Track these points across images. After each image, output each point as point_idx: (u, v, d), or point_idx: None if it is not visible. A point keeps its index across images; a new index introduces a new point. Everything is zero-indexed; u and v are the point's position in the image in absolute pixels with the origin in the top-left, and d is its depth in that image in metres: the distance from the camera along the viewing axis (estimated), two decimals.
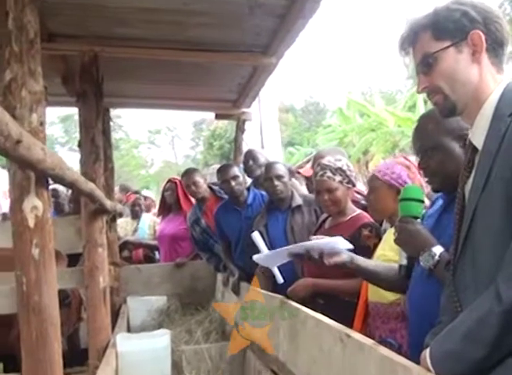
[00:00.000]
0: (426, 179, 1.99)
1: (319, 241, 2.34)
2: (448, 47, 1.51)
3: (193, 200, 5.43)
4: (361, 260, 2.27)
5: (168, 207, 5.80)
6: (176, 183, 5.63)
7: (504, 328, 1.24)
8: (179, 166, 30.64)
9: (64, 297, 3.75)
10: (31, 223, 1.83)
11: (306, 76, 63.33)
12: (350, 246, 2.29)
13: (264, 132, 9.07)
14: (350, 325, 2.50)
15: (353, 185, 3.11)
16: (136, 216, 6.46)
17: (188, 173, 5.00)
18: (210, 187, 5.04)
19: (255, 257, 2.86)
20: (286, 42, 3.63)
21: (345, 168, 3.05)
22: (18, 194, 1.83)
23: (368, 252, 2.76)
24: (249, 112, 5.79)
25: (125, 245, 6.07)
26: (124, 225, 6.50)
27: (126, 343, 3.14)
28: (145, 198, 7.14)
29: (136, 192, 7.01)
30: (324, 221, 3.27)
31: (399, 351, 2.08)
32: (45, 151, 1.50)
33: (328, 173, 3.03)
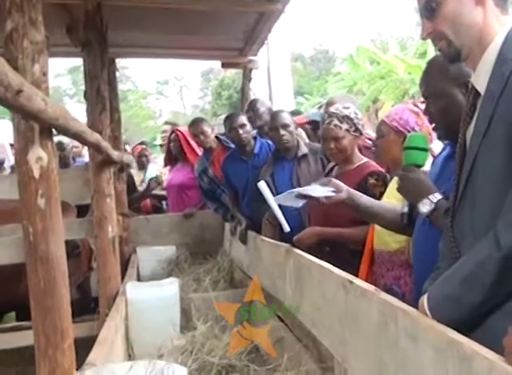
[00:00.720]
0: (432, 125, 1.98)
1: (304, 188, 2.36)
2: None
3: (197, 150, 5.44)
4: (363, 199, 2.28)
5: (174, 157, 5.81)
6: (178, 134, 5.62)
7: (502, 273, 1.26)
8: (188, 117, 30.49)
9: (73, 247, 3.82)
10: (36, 173, 1.84)
11: (315, 23, 62.06)
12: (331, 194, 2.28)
13: (275, 81, 8.98)
14: (355, 272, 2.54)
15: (361, 133, 3.09)
16: (142, 166, 6.50)
17: (196, 123, 4.99)
18: (217, 137, 5.03)
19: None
20: None
21: (352, 116, 3.02)
22: (22, 145, 1.83)
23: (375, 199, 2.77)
24: (256, 60, 5.71)
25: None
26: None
27: (135, 291, 3.20)
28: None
29: (142, 143, 7.01)
30: (331, 169, 3.27)
31: (403, 299, 2.12)
32: (46, 101, 1.49)
33: (335, 121, 3.01)
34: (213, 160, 4.94)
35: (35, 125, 1.79)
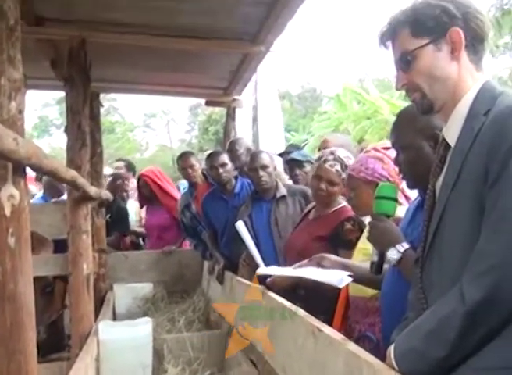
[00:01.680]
0: (401, 175, 2.00)
1: (315, 275, 2.35)
2: (426, 44, 1.49)
3: (170, 190, 5.47)
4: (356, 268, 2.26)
5: (148, 199, 5.81)
6: (145, 179, 5.65)
7: (466, 329, 1.26)
8: (174, 150, 30.50)
9: (46, 285, 3.76)
10: (7, 211, 1.82)
11: (303, 62, 63.04)
12: (344, 283, 2.24)
13: (263, 119, 9.01)
14: (330, 317, 2.52)
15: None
16: (122, 200, 6.46)
17: (185, 156, 5.00)
18: (203, 173, 5.03)
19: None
20: (275, 31, 3.61)
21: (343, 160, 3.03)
22: None
23: (350, 246, 2.77)
24: (240, 99, 5.76)
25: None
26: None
27: (107, 331, 3.15)
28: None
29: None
30: (308, 212, 3.27)
31: (377, 346, 2.10)
32: (18, 141, 1.48)
33: (338, 167, 3.01)
34: (197, 196, 4.90)
35: (8, 163, 1.78)
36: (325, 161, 3.06)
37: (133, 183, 6.39)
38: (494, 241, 1.26)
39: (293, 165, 4.25)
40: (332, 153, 3.09)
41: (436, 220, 1.46)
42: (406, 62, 1.52)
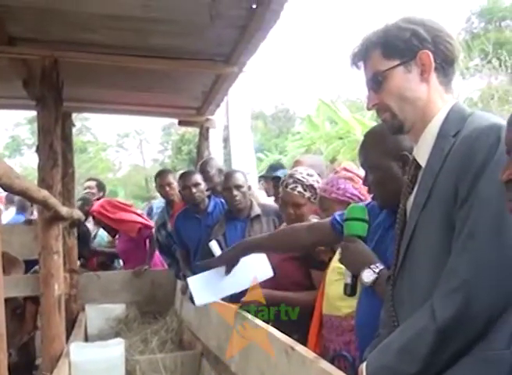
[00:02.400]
0: (371, 195, 2.02)
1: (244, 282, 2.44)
2: (397, 66, 1.51)
3: (123, 216, 5.52)
4: None
5: (111, 231, 5.88)
6: (95, 215, 5.70)
7: (438, 346, 1.27)
8: (147, 170, 30.40)
9: (16, 306, 3.70)
10: None
11: (276, 82, 63.43)
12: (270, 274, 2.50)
13: (236, 139, 9.06)
14: (302, 335, 2.52)
15: (314, 198, 3.04)
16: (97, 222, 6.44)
17: (163, 174, 5.03)
18: (180, 192, 5.01)
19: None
20: (248, 52, 3.64)
21: (316, 185, 3.01)
22: None
23: (323, 266, 2.78)
24: (213, 119, 5.78)
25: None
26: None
27: (79, 352, 3.11)
28: None
29: (98, 199, 6.93)
30: None
31: (353, 364, 2.10)
32: None
33: (299, 188, 3.00)
34: (173, 214, 4.88)
35: None
36: (286, 185, 3.07)
37: None
38: (463, 259, 1.28)
39: (277, 183, 4.28)
40: (290, 176, 3.10)
41: (407, 239, 1.48)
42: (377, 82, 1.54)
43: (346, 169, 2.67)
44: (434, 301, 1.30)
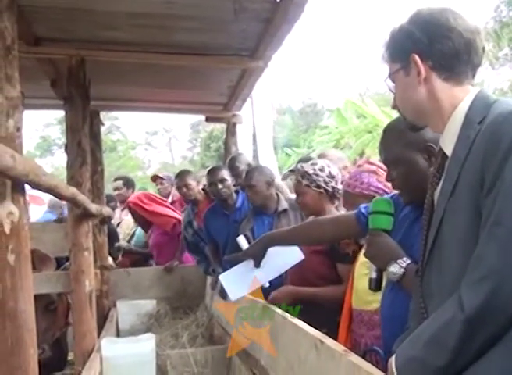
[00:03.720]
0: (396, 191, 1.99)
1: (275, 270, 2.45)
2: (398, 70, 1.54)
3: (158, 210, 5.54)
4: None
5: (144, 224, 5.93)
6: (130, 207, 5.75)
7: (466, 336, 1.24)
8: (176, 168, 30.54)
9: (49, 302, 3.75)
10: (7, 228, 1.83)
11: (304, 77, 63.31)
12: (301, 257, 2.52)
13: (260, 134, 9.08)
14: (330, 330, 2.51)
15: (326, 190, 3.08)
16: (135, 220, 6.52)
17: (180, 176, 5.05)
18: (204, 190, 5.06)
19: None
20: (273, 46, 3.63)
21: (311, 172, 3.05)
22: None
23: (347, 259, 2.77)
24: (239, 115, 5.80)
25: (119, 249, 6.11)
26: (125, 227, 6.55)
27: (110, 347, 3.14)
28: None
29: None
30: None
31: (385, 359, 2.08)
32: (15, 157, 1.49)
33: (298, 177, 3.08)
34: (198, 212, 4.95)
35: (7, 180, 1.79)
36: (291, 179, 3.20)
37: None
38: (490, 247, 1.25)
39: None
40: (291, 170, 3.25)
41: (435, 229, 1.46)
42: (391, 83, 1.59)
43: (369, 163, 2.64)
44: (461, 291, 1.28)
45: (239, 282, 2.77)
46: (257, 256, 2.62)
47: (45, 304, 3.69)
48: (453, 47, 1.47)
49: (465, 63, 1.49)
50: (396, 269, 1.76)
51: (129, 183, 6.77)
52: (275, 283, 3.12)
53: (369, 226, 1.93)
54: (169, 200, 6.27)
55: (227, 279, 2.88)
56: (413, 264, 1.72)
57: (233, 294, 2.83)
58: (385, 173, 2.34)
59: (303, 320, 2.33)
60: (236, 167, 4.54)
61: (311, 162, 3.17)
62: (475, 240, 1.30)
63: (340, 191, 3.07)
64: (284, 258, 2.75)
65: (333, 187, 3.08)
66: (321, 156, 3.98)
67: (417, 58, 1.48)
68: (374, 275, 1.92)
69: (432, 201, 1.55)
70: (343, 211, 3.03)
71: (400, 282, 1.77)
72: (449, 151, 1.48)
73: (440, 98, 1.49)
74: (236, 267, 2.81)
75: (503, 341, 1.24)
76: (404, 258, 1.77)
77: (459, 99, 1.48)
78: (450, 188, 1.41)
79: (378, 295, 2.27)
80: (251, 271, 2.68)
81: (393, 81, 1.57)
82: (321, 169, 3.08)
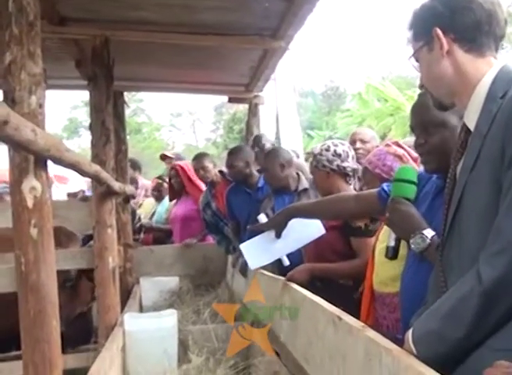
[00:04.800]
0: (422, 158, 1.93)
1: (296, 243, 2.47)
2: (422, 47, 1.55)
3: (198, 183, 5.52)
4: None
5: (177, 191, 5.87)
6: (177, 169, 5.71)
7: (484, 308, 1.25)
8: (200, 149, 30.68)
9: (66, 279, 3.80)
10: (30, 203, 1.87)
11: (327, 60, 62.84)
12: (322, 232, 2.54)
13: (283, 117, 9.07)
14: (348, 308, 2.53)
15: (332, 170, 3.09)
16: (156, 199, 6.57)
17: (197, 158, 5.11)
18: (220, 172, 5.10)
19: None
20: (295, 26, 3.63)
21: (316, 152, 3.12)
22: (17, 175, 1.87)
23: (360, 233, 2.79)
24: (261, 96, 5.81)
25: (141, 228, 6.18)
26: (146, 207, 6.62)
27: (133, 322, 3.19)
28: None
29: (159, 177, 7.04)
30: None
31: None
32: (36, 132, 1.52)
33: (310, 159, 3.18)
34: (216, 194, 5.03)
35: (30, 156, 1.83)
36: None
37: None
38: (509, 220, 1.25)
39: None
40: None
41: (455, 202, 1.46)
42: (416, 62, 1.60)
43: (398, 145, 2.59)
44: (480, 264, 1.28)
45: (259, 252, 2.79)
46: (278, 227, 2.65)
47: (62, 280, 3.75)
48: (475, 18, 1.47)
49: (487, 34, 1.49)
50: (421, 240, 1.73)
51: (135, 166, 6.98)
52: (295, 261, 3.15)
53: (392, 193, 1.90)
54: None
55: (248, 248, 2.91)
56: (436, 236, 1.69)
57: (253, 262, 2.90)
58: (411, 160, 2.32)
59: (322, 296, 2.34)
60: (263, 145, 4.57)
61: (321, 144, 3.22)
62: (495, 213, 1.30)
63: (350, 169, 3.09)
64: (305, 231, 2.77)
65: (338, 166, 3.07)
66: (353, 135, 4.02)
67: (439, 31, 1.48)
68: (392, 243, 1.90)
69: (455, 176, 1.54)
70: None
71: (422, 253, 1.74)
72: (472, 126, 1.47)
73: (464, 70, 1.49)
74: (257, 237, 2.84)
75: None
76: (429, 230, 1.73)
77: (482, 72, 1.47)
78: (471, 163, 1.41)
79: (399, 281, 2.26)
80: (272, 242, 2.71)
81: (417, 60, 1.58)
82: (327, 149, 3.11)
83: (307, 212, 2.58)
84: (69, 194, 8.38)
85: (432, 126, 1.84)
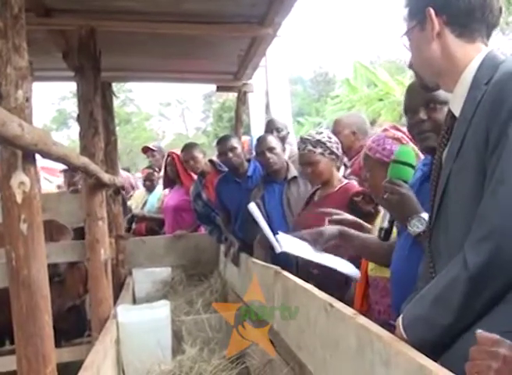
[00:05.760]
0: (421, 135, 1.90)
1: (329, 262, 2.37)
2: (414, 26, 1.54)
3: (192, 173, 5.51)
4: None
5: (172, 180, 5.85)
6: (173, 157, 5.68)
7: (470, 294, 1.27)
8: (190, 139, 30.64)
9: (55, 274, 3.79)
10: (19, 198, 1.86)
11: (315, 46, 62.68)
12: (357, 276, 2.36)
13: (274, 103, 9.07)
14: (344, 294, 2.54)
15: (337, 156, 3.16)
16: (148, 189, 6.55)
17: (186, 149, 5.08)
18: (210, 161, 5.08)
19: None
20: (282, 12, 3.60)
21: (325, 140, 3.10)
22: (6, 171, 1.86)
23: (371, 217, 2.76)
24: (250, 83, 5.78)
25: (132, 218, 6.17)
26: (137, 197, 6.62)
27: (126, 314, 3.20)
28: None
29: (149, 167, 7.02)
30: (314, 193, 3.29)
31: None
32: (23, 126, 1.51)
33: (309, 147, 3.09)
34: (206, 184, 5.01)
35: (18, 151, 1.82)
36: (299, 149, 3.23)
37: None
38: (493, 205, 1.27)
39: None
40: (300, 139, 3.26)
41: (441, 190, 1.47)
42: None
43: (395, 128, 2.57)
44: (465, 249, 1.29)
45: (295, 245, 2.60)
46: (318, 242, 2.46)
47: (50, 275, 3.74)
48: (469, 3, 1.46)
49: (479, 21, 1.49)
50: (419, 223, 1.75)
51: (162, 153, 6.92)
52: None
53: (390, 174, 1.88)
54: (162, 172, 6.30)
55: (284, 237, 2.71)
56: None
57: (286, 246, 2.56)
58: (410, 142, 2.31)
59: (315, 286, 2.34)
60: (281, 129, 4.64)
61: (315, 131, 3.21)
62: (480, 199, 1.31)
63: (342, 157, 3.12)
64: (342, 262, 2.66)
65: (341, 154, 3.18)
66: (335, 124, 3.99)
67: (431, 11, 1.48)
68: (386, 225, 1.93)
69: (441, 163, 1.55)
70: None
71: (418, 237, 1.76)
72: (457, 112, 1.48)
73: (452, 54, 1.50)
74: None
75: (507, 298, 1.26)
76: (425, 214, 1.73)
77: (470, 58, 1.48)
78: (456, 149, 1.41)
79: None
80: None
81: (408, 39, 1.58)
82: (330, 137, 3.15)
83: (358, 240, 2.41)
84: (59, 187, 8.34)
85: (437, 103, 1.86)
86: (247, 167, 4.34)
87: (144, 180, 6.70)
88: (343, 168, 3.60)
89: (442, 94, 1.78)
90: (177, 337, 3.45)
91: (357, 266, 2.64)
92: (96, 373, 2.37)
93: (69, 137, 32.49)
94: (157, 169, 6.65)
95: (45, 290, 1.96)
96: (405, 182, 1.85)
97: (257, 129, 8.00)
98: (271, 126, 4.91)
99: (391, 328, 1.52)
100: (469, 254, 1.28)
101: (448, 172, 1.44)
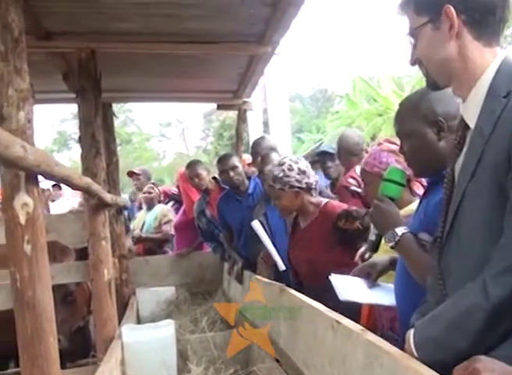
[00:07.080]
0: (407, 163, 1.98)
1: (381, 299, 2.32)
2: (425, 23, 1.43)
3: (189, 192, 5.54)
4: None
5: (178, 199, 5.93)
6: (180, 175, 5.71)
7: (489, 324, 1.24)
8: (191, 157, 30.71)
9: (67, 294, 3.80)
10: (22, 219, 1.86)
11: (313, 63, 62.97)
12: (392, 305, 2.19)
13: (273, 121, 9.09)
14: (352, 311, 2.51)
15: (300, 187, 3.00)
16: (148, 208, 6.54)
17: (191, 166, 5.07)
18: (214, 178, 5.09)
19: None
20: (280, 30, 3.63)
21: (281, 175, 2.97)
22: (9, 192, 1.86)
23: (362, 231, 2.75)
24: (250, 101, 5.81)
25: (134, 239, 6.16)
26: (140, 217, 6.61)
27: (131, 334, 3.19)
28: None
29: (153, 183, 6.99)
30: (296, 218, 3.21)
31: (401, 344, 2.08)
32: (26, 148, 1.51)
33: (270, 182, 3.03)
34: (210, 201, 5.00)
35: (21, 172, 1.82)
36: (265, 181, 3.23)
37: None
38: None
39: (324, 157, 4.45)
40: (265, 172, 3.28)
41: (455, 206, 1.41)
42: (413, 38, 1.50)
43: (389, 142, 2.59)
44: (487, 278, 1.25)
45: (349, 285, 2.49)
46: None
47: (63, 295, 3.74)
48: (492, 2, 1.38)
49: (499, 21, 1.41)
50: (391, 236, 1.80)
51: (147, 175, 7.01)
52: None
53: (379, 191, 1.94)
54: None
55: (338, 280, 2.57)
56: (410, 234, 1.76)
57: (345, 293, 2.28)
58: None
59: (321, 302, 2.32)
60: (258, 152, 4.58)
61: (277, 163, 3.07)
62: (498, 222, 1.27)
63: (315, 182, 3.06)
64: (387, 294, 2.53)
65: (307, 183, 3.00)
66: (340, 138, 4.06)
67: (452, 10, 1.37)
68: (373, 238, 2.00)
69: (453, 175, 1.50)
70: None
71: (393, 248, 1.81)
72: (471, 123, 1.40)
73: (469, 57, 1.41)
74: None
75: None
76: (402, 228, 1.79)
77: (487, 63, 1.39)
78: (472, 168, 1.34)
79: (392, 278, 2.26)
80: (362, 284, 2.46)
81: (415, 36, 1.48)
82: (290, 169, 2.99)
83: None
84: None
85: (403, 136, 1.89)
86: (247, 185, 4.34)
87: (144, 192, 6.64)
88: None
89: (408, 126, 1.84)
90: (182, 356, 3.43)
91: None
92: None
93: (70, 159, 32.61)
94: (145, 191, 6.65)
95: (50, 311, 1.95)
96: (392, 199, 1.90)
97: None
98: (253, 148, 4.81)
99: (396, 343, 1.52)
100: (491, 284, 1.24)
101: (463, 189, 1.38)
